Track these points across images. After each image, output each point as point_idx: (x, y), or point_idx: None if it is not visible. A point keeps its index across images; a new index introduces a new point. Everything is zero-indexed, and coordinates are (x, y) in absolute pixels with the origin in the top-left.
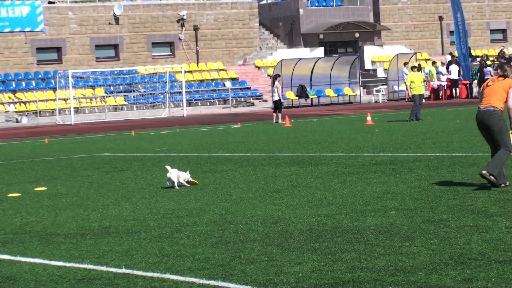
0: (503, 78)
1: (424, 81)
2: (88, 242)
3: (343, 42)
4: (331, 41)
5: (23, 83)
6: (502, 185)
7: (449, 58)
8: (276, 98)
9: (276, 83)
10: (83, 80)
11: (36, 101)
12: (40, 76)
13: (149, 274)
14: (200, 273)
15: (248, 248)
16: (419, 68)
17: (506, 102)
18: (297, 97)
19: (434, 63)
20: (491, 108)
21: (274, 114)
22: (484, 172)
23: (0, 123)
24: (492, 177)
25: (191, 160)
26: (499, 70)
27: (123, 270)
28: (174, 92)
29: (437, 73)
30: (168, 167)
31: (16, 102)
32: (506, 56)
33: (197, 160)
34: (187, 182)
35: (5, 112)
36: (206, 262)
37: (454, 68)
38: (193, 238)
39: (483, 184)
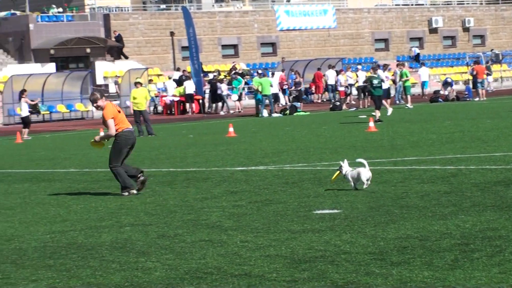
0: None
1: (156, 96)
2: None
3: (75, 57)
4: (63, 56)
5: None
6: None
7: (177, 74)
8: (25, 114)
9: (24, 98)
10: None
11: None
12: None
13: None
14: None
15: None
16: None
17: None
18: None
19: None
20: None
21: (24, 130)
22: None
23: None
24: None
25: None
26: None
27: None
28: None
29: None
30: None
31: None
32: (239, 71)
33: None
34: None
35: None
36: None
37: (189, 84)
38: None
39: (216, 198)
